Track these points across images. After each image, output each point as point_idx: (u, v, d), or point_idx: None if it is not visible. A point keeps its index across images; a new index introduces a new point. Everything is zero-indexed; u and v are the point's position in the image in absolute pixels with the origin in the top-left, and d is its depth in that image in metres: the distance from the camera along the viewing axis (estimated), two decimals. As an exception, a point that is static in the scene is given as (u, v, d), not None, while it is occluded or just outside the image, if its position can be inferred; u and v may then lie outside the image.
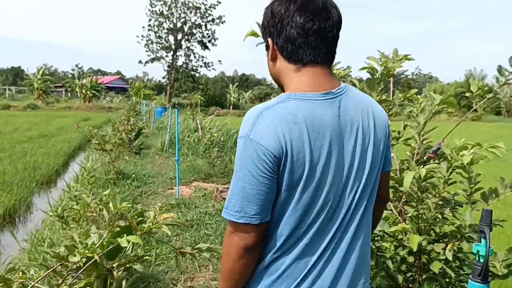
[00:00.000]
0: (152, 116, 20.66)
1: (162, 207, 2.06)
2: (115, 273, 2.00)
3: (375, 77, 2.75)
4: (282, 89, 1.32)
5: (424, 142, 2.99)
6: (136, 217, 2.08)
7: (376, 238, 2.58)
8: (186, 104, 40.19)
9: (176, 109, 8.71)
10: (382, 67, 2.71)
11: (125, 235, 1.78)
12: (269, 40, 1.29)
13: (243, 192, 1.17)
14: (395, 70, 2.78)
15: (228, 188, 7.11)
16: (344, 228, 1.27)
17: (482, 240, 1.52)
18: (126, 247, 2.08)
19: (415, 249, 2.34)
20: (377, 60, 2.72)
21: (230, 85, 47.72)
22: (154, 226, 1.93)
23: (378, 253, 2.53)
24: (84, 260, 1.69)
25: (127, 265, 2.12)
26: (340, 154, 1.22)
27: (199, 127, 12.01)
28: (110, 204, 2.00)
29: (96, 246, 1.76)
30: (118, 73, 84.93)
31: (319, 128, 1.18)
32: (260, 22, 1.37)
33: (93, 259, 1.70)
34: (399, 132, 3.24)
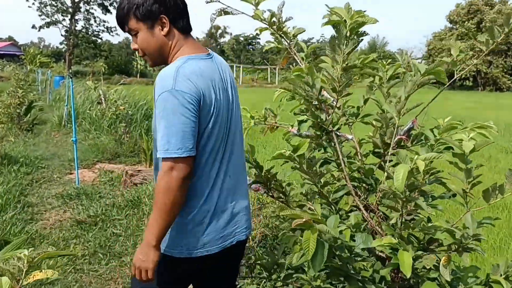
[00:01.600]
0: (48, 86, 18.50)
1: (34, 257, 1.19)
2: None
3: (341, 34, 2.01)
4: (163, 59, 1.69)
5: (391, 121, 2.34)
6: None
7: (357, 259, 1.90)
8: (88, 73, 37.32)
9: (70, 78, 7.38)
10: (352, 21, 1.97)
11: None
12: (164, 17, 1.60)
13: (181, 132, 1.48)
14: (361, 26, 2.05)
15: (139, 170, 6.12)
16: (232, 151, 1.71)
17: None
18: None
19: (409, 274, 1.69)
20: (345, 11, 1.97)
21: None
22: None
23: (359, 277, 1.84)
24: None
25: None
26: (226, 94, 1.67)
27: (103, 98, 10.62)
28: None
29: None
30: (10, 38, 77.84)
31: (213, 77, 1.62)
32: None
33: None
34: (358, 108, 2.57)
